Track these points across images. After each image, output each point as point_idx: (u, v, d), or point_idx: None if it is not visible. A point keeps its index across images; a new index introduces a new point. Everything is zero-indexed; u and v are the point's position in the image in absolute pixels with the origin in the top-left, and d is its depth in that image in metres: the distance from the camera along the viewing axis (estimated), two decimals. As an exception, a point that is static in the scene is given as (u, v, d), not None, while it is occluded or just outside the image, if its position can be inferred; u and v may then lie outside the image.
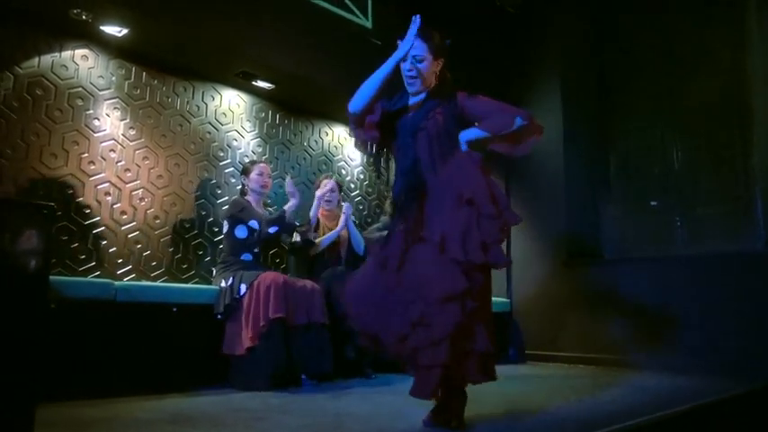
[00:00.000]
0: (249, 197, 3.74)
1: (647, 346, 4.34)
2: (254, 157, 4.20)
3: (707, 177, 4.82)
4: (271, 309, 3.16)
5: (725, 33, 4.82)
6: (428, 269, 2.08)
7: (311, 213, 4.00)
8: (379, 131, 2.32)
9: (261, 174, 3.75)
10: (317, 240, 3.95)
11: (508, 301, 5.26)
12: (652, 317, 4.38)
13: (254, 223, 3.58)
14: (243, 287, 3.29)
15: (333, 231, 3.99)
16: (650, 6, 5.27)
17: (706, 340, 4.08)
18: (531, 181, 5.36)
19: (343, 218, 4.02)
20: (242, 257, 3.59)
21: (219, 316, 3.31)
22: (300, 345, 3.23)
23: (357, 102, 2.27)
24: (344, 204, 4.13)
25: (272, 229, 3.58)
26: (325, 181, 4.12)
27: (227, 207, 3.81)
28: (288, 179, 3.84)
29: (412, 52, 2.26)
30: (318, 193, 3.99)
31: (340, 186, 4.24)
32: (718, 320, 4.07)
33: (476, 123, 2.28)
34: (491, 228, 2.09)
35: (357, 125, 2.33)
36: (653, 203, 5.16)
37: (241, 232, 3.58)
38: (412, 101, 2.35)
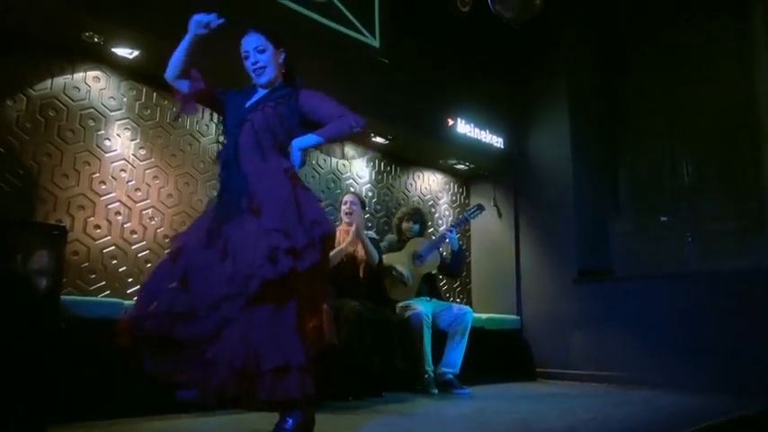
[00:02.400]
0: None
1: (659, 364, 4.29)
2: (263, 176, 4.20)
3: (718, 192, 4.79)
4: None
5: (732, 46, 4.83)
6: (210, 275, 1.97)
7: None
8: (198, 102, 2.37)
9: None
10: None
11: (518, 318, 5.23)
12: (663, 334, 4.34)
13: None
14: None
15: (340, 246, 3.85)
16: (657, 21, 5.29)
17: (719, 358, 4.02)
18: (539, 197, 5.35)
19: (352, 232, 3.90)
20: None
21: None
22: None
23: (167, 71, 2.30)
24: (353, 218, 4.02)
25: None
26: (345, 197, 4.11)
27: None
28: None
29: (252, 45, 2.30)
30: None
31: (362, 201, 4.19)
32: (730, 338, 4.02)
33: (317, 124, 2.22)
34: (278, 243, 1.92)
35: (182, 98, 2.34)
36: (663, 219, 5.13)
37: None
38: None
